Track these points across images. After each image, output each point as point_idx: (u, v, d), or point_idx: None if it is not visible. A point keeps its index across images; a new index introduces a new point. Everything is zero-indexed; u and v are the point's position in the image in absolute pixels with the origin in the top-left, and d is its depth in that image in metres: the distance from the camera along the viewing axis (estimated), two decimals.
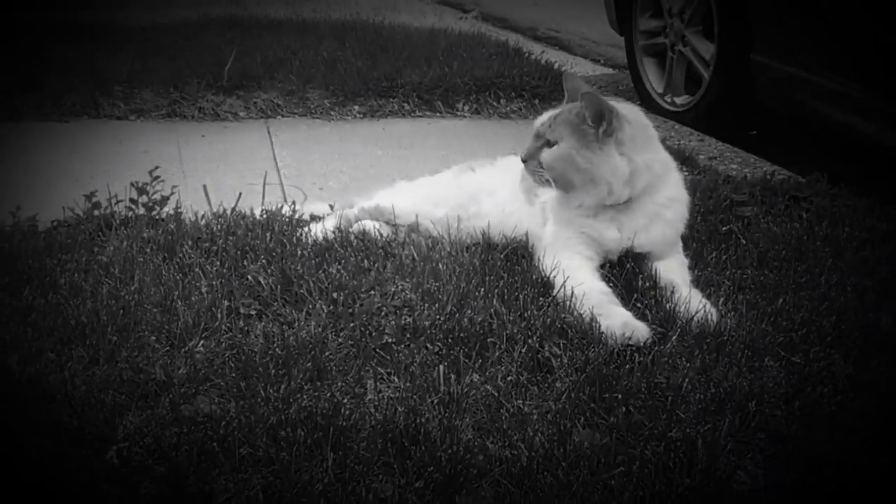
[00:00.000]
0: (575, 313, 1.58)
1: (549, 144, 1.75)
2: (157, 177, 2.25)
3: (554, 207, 1.82)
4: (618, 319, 1.53)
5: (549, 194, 1.85)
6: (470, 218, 2.00)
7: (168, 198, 2.22)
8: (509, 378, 1.40)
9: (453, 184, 2.10)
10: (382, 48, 4.04)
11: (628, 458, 1.21)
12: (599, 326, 1.53)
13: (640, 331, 1.50)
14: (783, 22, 3.02)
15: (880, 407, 1.34)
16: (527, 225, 1.89)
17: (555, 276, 1.69)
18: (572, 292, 1.61)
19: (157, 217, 2.13)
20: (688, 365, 1.43)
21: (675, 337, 1.50)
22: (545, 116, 1.80)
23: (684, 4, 3.54)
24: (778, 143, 3.40)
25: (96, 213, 2.15)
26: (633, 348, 1.47)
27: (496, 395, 1.35)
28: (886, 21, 2.59)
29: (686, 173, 2.92)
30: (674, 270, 1.74)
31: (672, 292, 1.66)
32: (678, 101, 3.64)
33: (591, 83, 4.32)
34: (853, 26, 2.72)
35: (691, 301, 1.62)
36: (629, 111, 1.77)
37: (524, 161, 1.80)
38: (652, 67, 3.84)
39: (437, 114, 3.66)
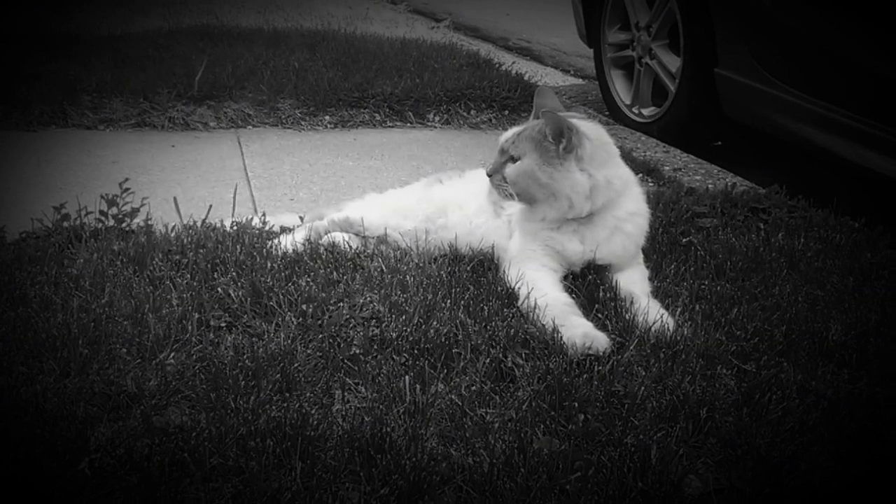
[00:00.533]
0: (538, 324, 1.63)
1: (513, 160, 1.80)
2: (127, 189, 2.26)
3: (519, 220, 1.88)
4: (578, 330, 1.58)
5: (514, 207, 1.90)
6: (438, 230, 2.04)
7: (138, 209, 2.23)
8: (473, 387, 1.44)
9: (422, 197, 2.14)
10: (353, 59, 4.08)
11: (585, 464, 1.26)
12: (561, 337, 1.58)
13: (600, 341, 1.56)
14: (745, 38, 3.12)
15: (825, 412, 1.41)
16: (493, 237, 1.94)
17: (519, 288, 1.74)
18: (535, 303, 1.66)
19: (127, 229, 2.15)
20: (644, 374, 1.49)
21: (633, 346, 1.56)
22: (509, 133, 1.85)
23: (651, 18, 3.63)
24: (741, 154, 3.50)
25: (66, 224, 2.16)
26: (593, 358, 1.53)
27: (460, 404, 1.40)
28: (845, 36, 2.69)
29: (651, 184, 3.00)
30: (634, 282, 1.80)
31: (631, 303, 1.72)
32: (645, 112, 3.72)
33: (560, 94, 4.40)
34: (811, 43, 2.82)
35: (649, 311, 1.68)
36: (590, 129, 1.83)
37: (489, 175, 1.85)
38: (620, 79, 3.93)
39: (408, 124, 3.71)
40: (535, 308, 1.66)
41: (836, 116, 2.69)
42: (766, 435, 1.34)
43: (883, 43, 2.56)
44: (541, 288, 1.71)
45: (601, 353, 1.54)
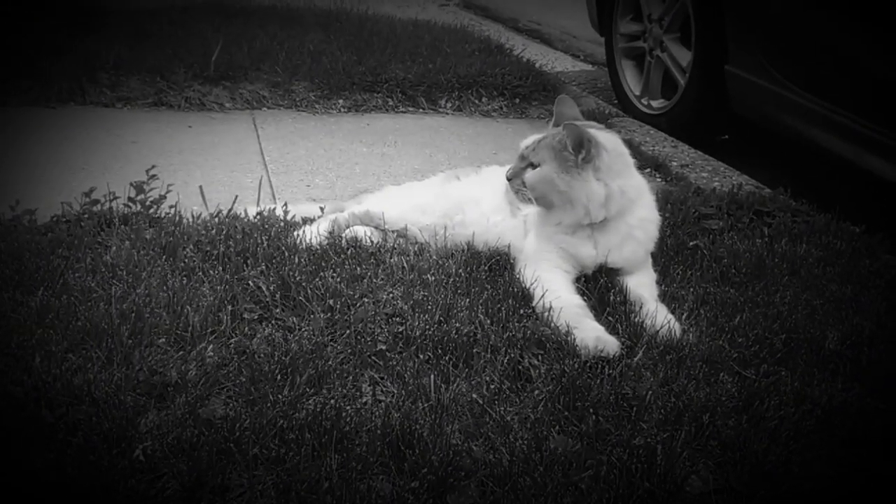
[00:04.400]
0: (552, 325, 1.73)
1: (533, 166, 1.88)
2: (154, 175, 2.33)
3: (535, 223, 1.96)
4: (591, 333, 1.68)
5: (531, 209, 1.99)
6: (455, 226, 2.13)
7: (164, 196, 2.30)
8: (492, 386, 1.54)
9: (440, 193, 2.22)
10: (367, 42, 4.11)
11: (596, 463, 1.36)
12: (574, 339, 1.68)
13: (611, 345, 1.65)
14: (756, 37, 3.17)
15: (819, 419, 1.52)
16: (510, 237, 2.03)
17: (534, 288, 1.84)
18: (550, 305, 1.76)
19: (154, 215, 2.22)
20: (652, 378, 1.59)
21: (641, 351, 1.66)
22: (530, 140, 1.93)
23: (664, 11, 3.67)
24: (748, 150, 3.57)
25: (95, 209, 2.23)
26: (604, 360, 1.62)
27: (481, 402, 1.49)
28: (853, 40, 2.74)
29: (659, 180, 3.08)
30: (643, 285, 1.89)
31: (640, 307, 1.81)
32: (654, 104, 3.78)
33: (570, 80, 4.45)
34: (821, 45, 2.88)
35: (657, 316, 1.77)
36: (607, 140, 1.91)
37: (509, 179, 1.93)
38: (630, 69, 3.98)
39: (420, 110, 3.76)
40: (549, 310, 1.75)
41: (843, 120, 2.75)
42: (764, 440, 1.44)
43: (891, 48, 2.62)
44: (555, 290, 1.80)
45: (612, 357, 1.63)
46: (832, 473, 1.40)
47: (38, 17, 3.86)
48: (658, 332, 1.72)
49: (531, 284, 1.85)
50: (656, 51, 3.75)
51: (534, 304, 1.81)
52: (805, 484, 1.36)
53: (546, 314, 1.75)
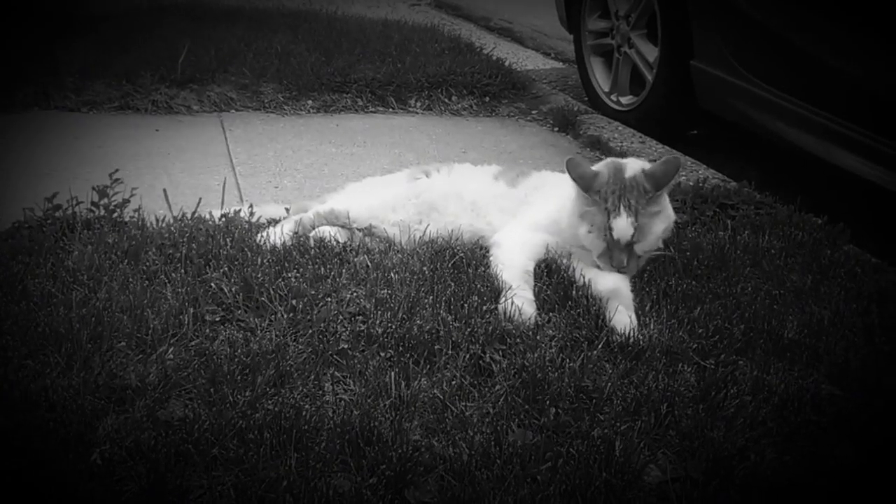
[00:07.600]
0: (495, 278, 1.85)
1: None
2: (117, 179, 2.31)
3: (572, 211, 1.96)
4: (509, 302, 1.75)
5: (538, 181, 2.10)
6: (433, 222, 2.14)
7: (128, 200, 2.28)
8: (454, 382, 1.55)
9: (411, 192, 2.22)
10: (336, 42, 4.10)
11: (555, 455, 1.37)
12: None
13: (524, 316, 1.73)
14: (719, 32, 3.21)
15: (775, 406, 1.54)
16: (500, 205, 2.10)
17: (501, 242, 1.94)
18: (500, 262, 1.88)
19: (118, 219, 2.20)
20: (612, 370, 1.61)
21: (601, 344, 1.67)
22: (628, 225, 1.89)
23: (630, 8, 3.70)
24: (716, 144, 3.61)
25: (57, 214, 2.21)
26: (513, 330, 1.68)
27: (442, 398, 1.50)
28: (812, 35, 2.79)
29: None
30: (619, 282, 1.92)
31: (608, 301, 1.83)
32: (623, 100, 3.81)
33: (541, 78, 4.47)
34: (782, 39, 2.92)
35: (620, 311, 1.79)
36: None
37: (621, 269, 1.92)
38: (599, 66, 4.01)
39: (390, 110, 3.76)
40: (498, 265, 1.88)
41: (804, 112, 2.79)
42: (721, 428, 1.46)
43: (848, 43, 2.67)
44: (515, 251, 1.91)
45: (520, 330, 1.69)
46: (787, 459, 1.42)
47: (2, 23, 3.80)
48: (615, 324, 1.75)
49: (501, 239, 1.95)
50: (624, 47, 3.77)
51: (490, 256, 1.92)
52: (760, 470, 1.38)
53: (496, 267, 1.87)
